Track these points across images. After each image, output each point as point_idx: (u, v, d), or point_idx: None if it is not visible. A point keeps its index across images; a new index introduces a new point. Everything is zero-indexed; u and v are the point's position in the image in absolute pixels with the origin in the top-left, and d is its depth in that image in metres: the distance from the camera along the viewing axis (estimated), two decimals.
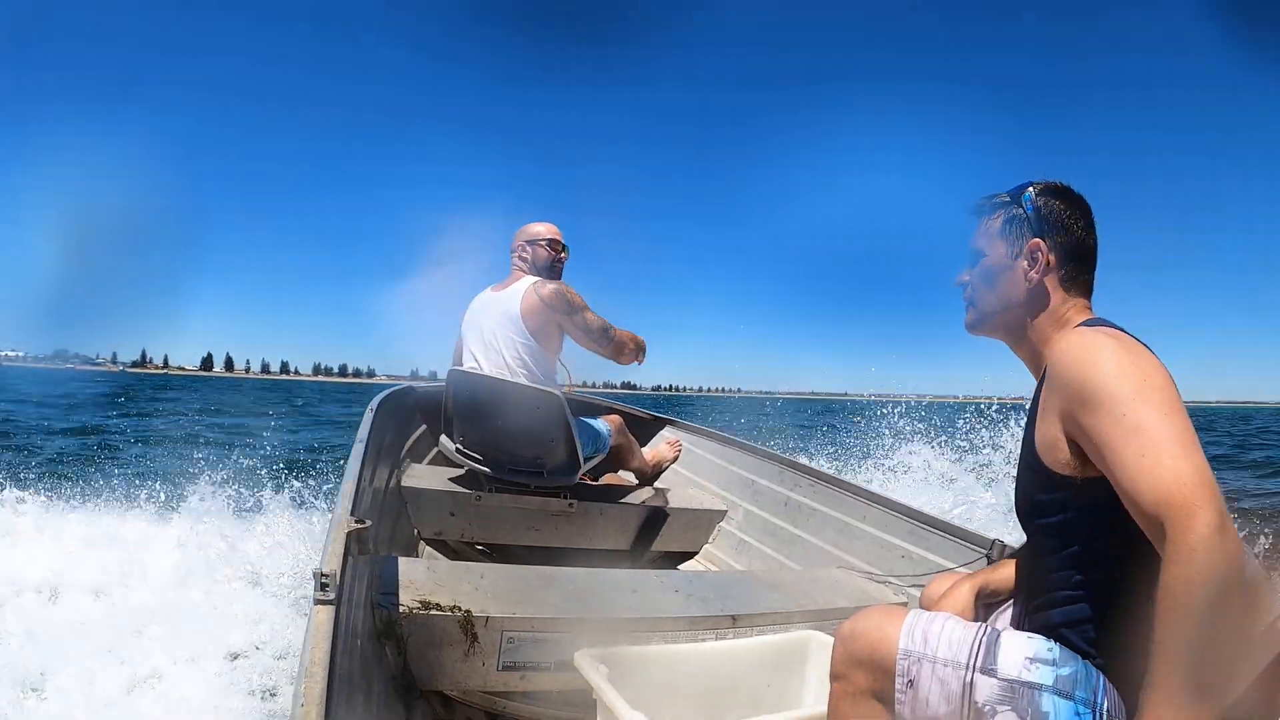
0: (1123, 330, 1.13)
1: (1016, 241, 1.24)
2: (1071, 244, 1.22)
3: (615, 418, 3.09)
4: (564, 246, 2.90)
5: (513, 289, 2.75)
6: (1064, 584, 1.10)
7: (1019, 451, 1.23)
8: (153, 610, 2.98)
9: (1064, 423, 1.06)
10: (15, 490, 4.20)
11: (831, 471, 2.92)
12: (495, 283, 2.89)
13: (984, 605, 1.37)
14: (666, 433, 3.84)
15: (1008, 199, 1.27)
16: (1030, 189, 1.25)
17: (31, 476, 5.11)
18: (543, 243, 2.88)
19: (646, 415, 3.95)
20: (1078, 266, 1.22)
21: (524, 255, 2.87)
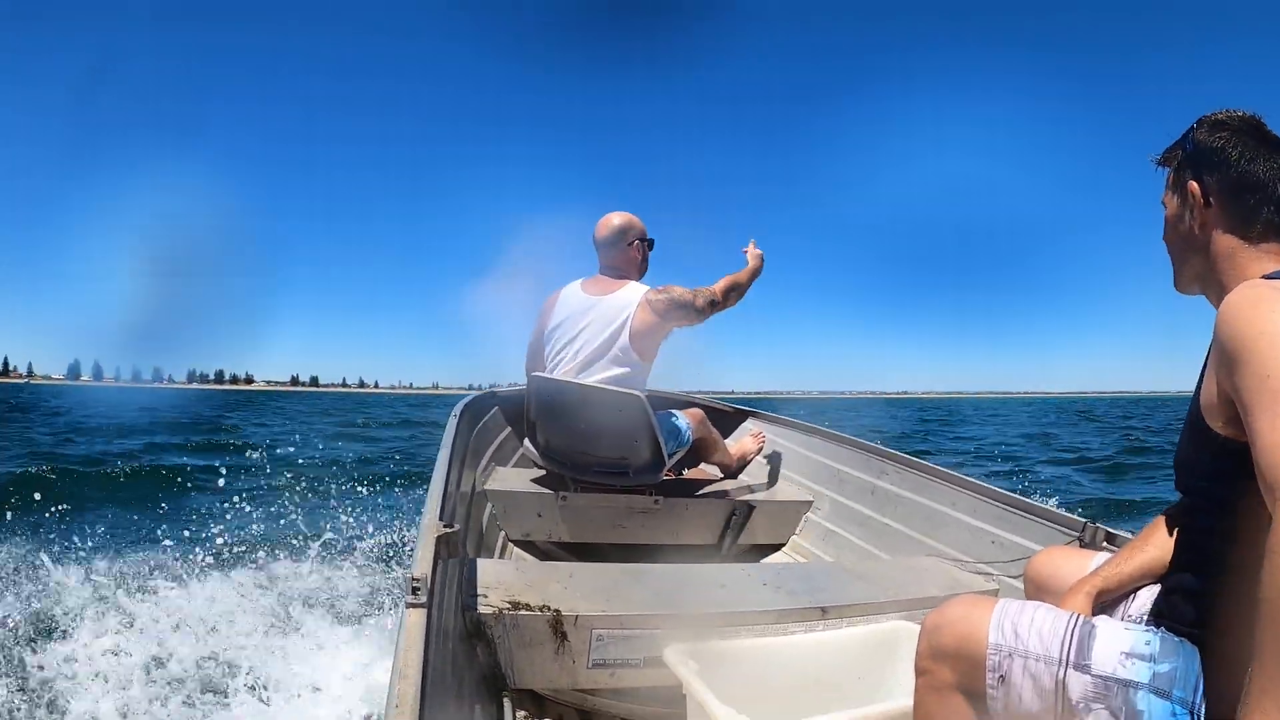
0: None
1: (1183, 188, 1.14)
2: (1232, 178, 1.09)
3: (697, 411, 3.08)
4: None
5: (620, 296, 2.67)
6: (1205, 552, 1.03)
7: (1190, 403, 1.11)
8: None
9: (1220, 380, 0.97)
10: None
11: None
12: (569, 278, 2.84)
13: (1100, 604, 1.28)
14: (749, 424, 3.82)
15: (1179, 143, 1.17)
16: (1194, 125, 1.13)
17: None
18: (649, 241, 2.84)
19: (728, 408, 3.94)
20: (1244, 203, 1.08)
21: (635, 255, 2.81)
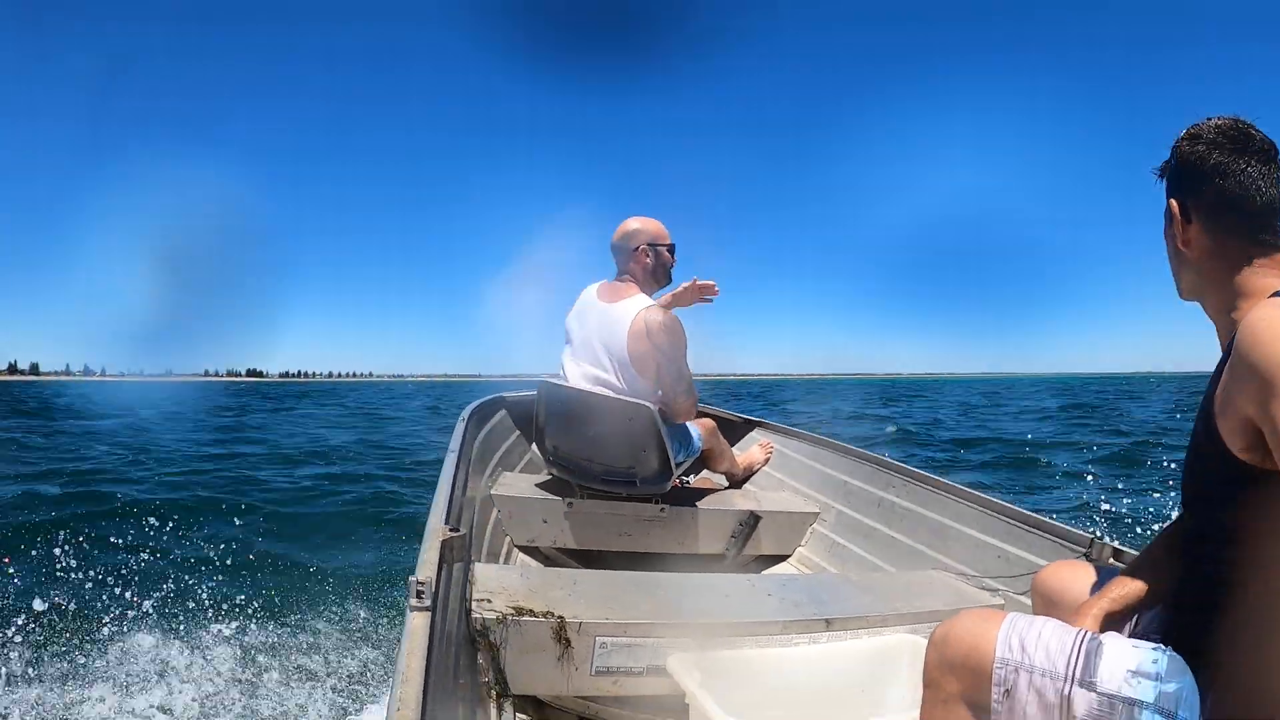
0: None
1: (1170, 201, 1.13)
2: (1217, 194, 1.06)
3: (707, 421, 3.07)
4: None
5: (624, 306, 2.65)
6: (1215, 579, 1.01)
7: (1194, 422, 1.07)
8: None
9: (1247, 407, 0.94)
10: None
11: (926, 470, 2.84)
12: (594, 279, 2.81)
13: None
14: (757, 434, 3.81)
15: (1170, 154, 1.14)
16: (1179, 138, 1.11)
17: None
18: (665, 246, 2.76)
19: (737, 418, 3.93)
20: (1224, 221, 1.07)
21: (645, 259, 2.73)
